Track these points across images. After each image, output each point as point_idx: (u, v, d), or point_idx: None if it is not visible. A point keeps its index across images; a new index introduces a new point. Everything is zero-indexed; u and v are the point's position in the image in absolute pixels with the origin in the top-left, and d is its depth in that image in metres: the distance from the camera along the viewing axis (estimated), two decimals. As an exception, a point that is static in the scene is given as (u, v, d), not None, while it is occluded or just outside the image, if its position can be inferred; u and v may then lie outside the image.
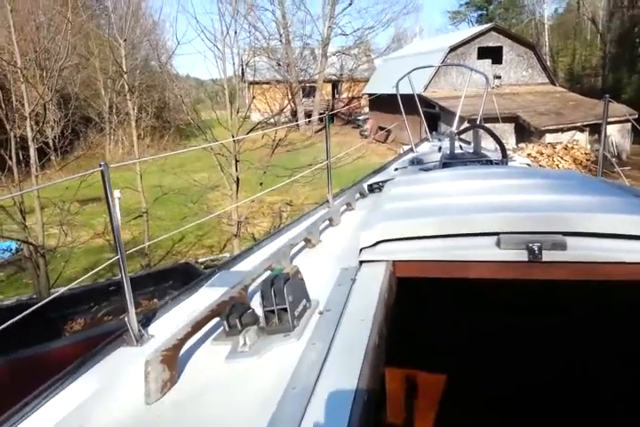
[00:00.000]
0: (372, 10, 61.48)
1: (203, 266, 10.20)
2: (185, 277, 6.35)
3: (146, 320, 1.62)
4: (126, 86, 9.19)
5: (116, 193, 13.05)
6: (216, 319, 1.36)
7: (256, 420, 1.00)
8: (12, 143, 6.91)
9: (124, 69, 8.65)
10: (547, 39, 38.54)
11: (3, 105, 7.17)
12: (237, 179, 8.91)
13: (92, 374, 1.31)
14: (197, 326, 1.28)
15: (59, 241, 7.54)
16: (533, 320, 2.47)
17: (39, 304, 1.54)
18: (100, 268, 1.75)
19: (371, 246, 1.71)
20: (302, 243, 2.06)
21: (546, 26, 39.55)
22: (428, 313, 2.55)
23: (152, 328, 1.55)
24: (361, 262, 1.69)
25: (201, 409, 1.09)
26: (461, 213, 1.70)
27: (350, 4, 33.95)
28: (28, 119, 6.83)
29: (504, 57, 23.75)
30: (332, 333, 1.25)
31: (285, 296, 1.27)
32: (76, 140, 18.80)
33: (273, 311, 1.29)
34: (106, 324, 5.74)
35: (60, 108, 11.45)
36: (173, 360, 1.17)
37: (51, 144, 9.38)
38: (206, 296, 1.54)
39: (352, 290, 1.51)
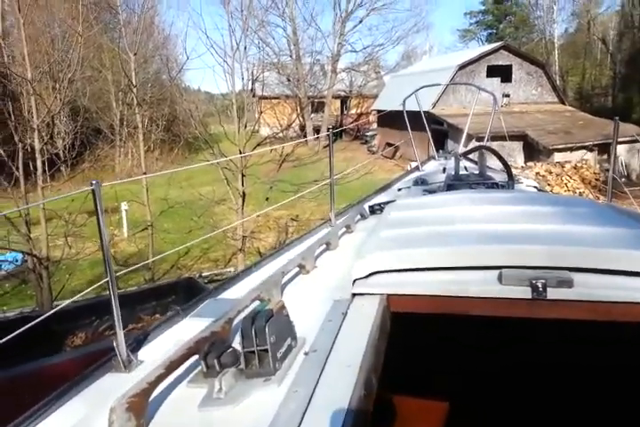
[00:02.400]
0: (383, 27, 61.84)
1: (207, 280, 10.16)
2: (187, 293, 6.31)
3: (136, 344, 1.54)
4: (135, 100, 9.25)
5: (124, 205, 13.14)
6: (195, 357, 1.26)
7: None
8: (20, 155, 6.95)
9: (134, 83, 8.73)
10: (556, 58, 38.68)
11: (12, 117, 7.23)
12: (243, 193, 8.90)
13: (71, 405, 1.24)
14: (172, 366, 1.18)
15: (63, 253, 7.53)
16: (536, 358, 2.37)
17: (38, 320, 1.48)
18: (89, 289, 1.70)
19: (364, 278, 1.62)
20: (297, 269, 1.96)
21: (556, 45, 39.73)
22: (426, 349, 2.45)
23: (142, 353, 1.47)
24: (354, 295, 1.59)
25: None
26: (462, 244, 1.62)
27: (360, 22, 34.38)
28: (37, 131, 6.88)
29: (513, 75, 23.82)
30: (317, 378, 1.16)
31: (267, 336, 1.17)
32: (87, 151, 18.98)
33: (253, 352, 1.19)
34: (107, 339, 5.69)
35: (72, 120, 11.58)
36: (141, 407, 1.07)
37: (61, 155, 9.45)
38: (190, 328, 1.45)
39: (342, 327, 1.41)
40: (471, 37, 50.87)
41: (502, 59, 23.70)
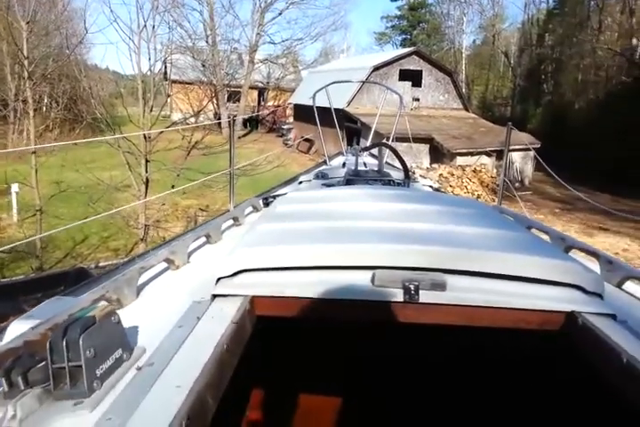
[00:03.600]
0: (302, 22, 61.86)
1: (105, 270, 9.60)
2: (77, 284, 5.91)
3: None
4: (26, 73, 8.49)
5: (14, 187, 12.08)
6: None
7: None
8: None
9: (25, 54, 7.99)
10: (464, 67, 40.98)
11: None
12: (147, 180, 8.50)
13: None
14: None
15: None
16: (414, 365, 2.34)
17: None
18: None
19: (229, 277, 1.44)
20: (165, 264, 1.71)
21: (463, 55, 42.08)
22: (299, 351, 2.32)
23: None
24: (214, 296, 1.40)
25: None
26: (337, 242, 1.51)
27: (280, 14, 34.13)
28: None
29: (423, 81, 24.83)
30: (140, 401, 0.95)
31: (81, 350, 0.95)
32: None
33: (65, 369, 0.97)
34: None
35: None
36: None
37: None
38: (16, 332, 1.18)
39: (191, 334, 1.20)
40: (386, 41, 52.47)
41: (414, 64, 24.63)
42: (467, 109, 25.87)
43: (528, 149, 17.24)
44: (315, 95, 5.25)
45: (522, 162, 20.29)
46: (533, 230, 2.14)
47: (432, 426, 2.36)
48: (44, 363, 0.99)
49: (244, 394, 2.38)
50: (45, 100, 22.98)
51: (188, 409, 0.93)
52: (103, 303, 1.33)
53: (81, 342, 0.95)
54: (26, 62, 8.09)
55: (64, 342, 0.95)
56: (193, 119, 11.86)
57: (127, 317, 1.16)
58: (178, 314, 1.32)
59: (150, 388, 0.99)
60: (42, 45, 18.26)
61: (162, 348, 1.15)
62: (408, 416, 2.41)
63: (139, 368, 1.07)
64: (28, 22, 7.91)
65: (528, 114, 33.35)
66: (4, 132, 21.12)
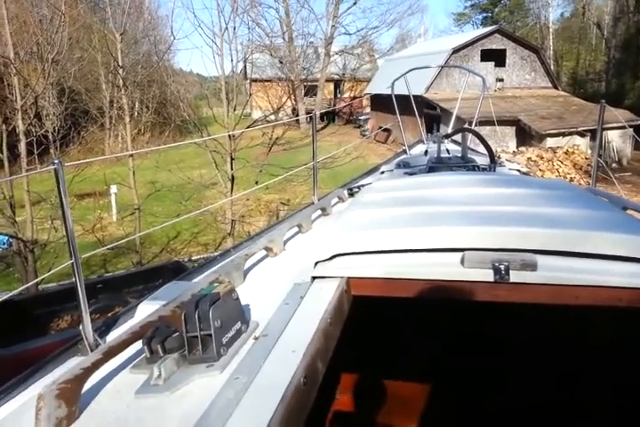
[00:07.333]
0: (377, 10, 61.05)
1: (196, 264, 10.15)
2: (174, 276, 6.28)
3: (105, 328, 1.52)
4: (121, 81, 9.11)
5: (113, 188, 13.04)
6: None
7: None
8: (4, 136, 6.85)
9: (119, 64, 8.58)
10: (551, 43, 38.42)
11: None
12: (232, 177, 8.83)
13: (33, 389, 1.19)
14: (111, 351, 1.12)
15: (49, 236, 7.48)
16: (502, 343, 2.36)
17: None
18: (50, 273, 1.69)
19: (326, 260, 1.57)
20: (264, 252, 1.89)
21: (551, 29, 39.42)
22: (389, 332, 2.41)
23: (111, 337, 1.44)
24: (314, 278, 1.53)
25: None
26: (426, 226, 1.57)
27: (355, 4, 33.91)
28: (19, 112, 6.78)
29: (507, 60, 23.64)
30: (261, 364, 1.11)
31: (210, 321, 1.12)
32: (77, 134, 18.69)
33: (197, 337, 1.14)
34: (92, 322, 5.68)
35: (60, 102, 11.42)
36: (74, 393, 1.01)
37: (50, 137, 9.33)
38: (147, 311, 1.37)
39: (297, 311, 1.35)
40: (466, 21, 50.36)
41: (496, 42, 23.50)
42: (556, 87, 24.30)
43: (625, 127, 15.91)
44: (393, 84, 5.19)
45: (620, 141, 18.77)
46: (629, 211, 2.09)
47: (527, 409, 2.33)
48: (177, 333, 1.17)
49: (344, 364, 2.51)
50: (137, 106, 24.51)
51: (305, 369, 1.08)
52: (235, 283, 1.52)
53: (210, 314, 1.11)
54: (121, 71, 8.69)
55: (197, 314, 1.11)
56: (273, 116, 12.11)
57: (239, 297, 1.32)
58: (282, 294, 1.48)
59: (269, 353, 1.15)
60: (131, 53, 19.46)
61: (273, 321, 1.31)
62: (497, 400, 2.39)
63: (256, 338, 1.24)
64: (121, 34, 8.50)
65: (625, 88, 30.74)
66: (101, 137, 22.77)
